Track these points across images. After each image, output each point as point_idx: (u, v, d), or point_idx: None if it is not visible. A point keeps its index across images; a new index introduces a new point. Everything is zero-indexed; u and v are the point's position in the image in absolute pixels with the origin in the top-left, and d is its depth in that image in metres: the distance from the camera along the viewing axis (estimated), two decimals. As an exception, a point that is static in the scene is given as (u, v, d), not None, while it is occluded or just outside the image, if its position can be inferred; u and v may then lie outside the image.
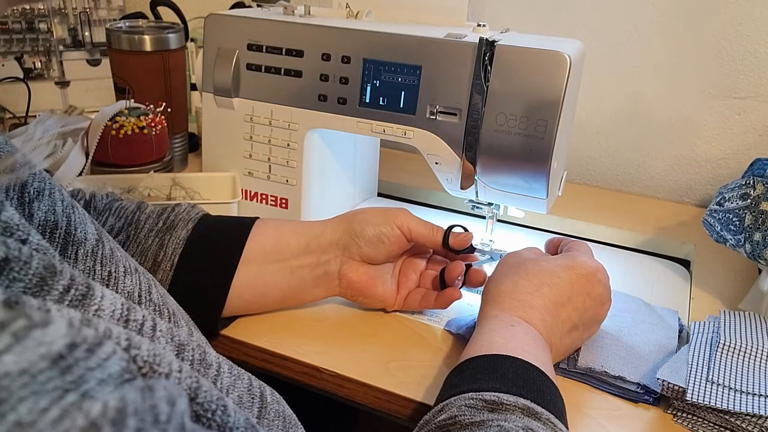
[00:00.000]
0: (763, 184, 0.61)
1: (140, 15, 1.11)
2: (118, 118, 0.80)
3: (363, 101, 0.67)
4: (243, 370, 0.39)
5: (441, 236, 0.59)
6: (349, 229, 0.57)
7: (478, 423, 0.39)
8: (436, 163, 0.66)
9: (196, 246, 0.55)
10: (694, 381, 0.50)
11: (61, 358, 0.19)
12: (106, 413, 0.18)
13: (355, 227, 0.57)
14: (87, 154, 0.80)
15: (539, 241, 0.82)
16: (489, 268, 0.62)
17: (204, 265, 0.55)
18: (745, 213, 0.61)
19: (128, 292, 0.37)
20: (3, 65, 1.09)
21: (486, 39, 0.61)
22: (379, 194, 0.92)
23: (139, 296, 0.38)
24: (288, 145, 0.73)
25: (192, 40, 1.11)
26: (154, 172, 0.80)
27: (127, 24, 0.95)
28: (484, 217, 0.74)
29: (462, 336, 0.59)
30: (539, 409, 0.41)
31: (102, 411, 0.18)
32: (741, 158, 0.91)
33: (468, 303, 0.64)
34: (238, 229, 0.57)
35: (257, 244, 0.56)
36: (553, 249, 0.61)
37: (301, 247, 0.57)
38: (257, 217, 0.59)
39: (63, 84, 1.14)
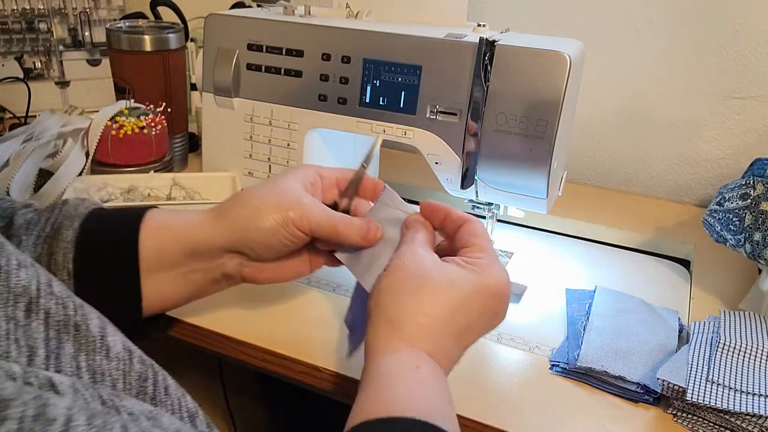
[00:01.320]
0: (763, 184, 0.61)
1: (140, 15, 1.11)
2: (118, 118, 0.80)
3: (363, 101, 0.67)
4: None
5: (350, 231, 0.49)
6: (239, 237, 0.49)
7: None
8: (436, 163, 0.66)
9: (88, 250, 0.48)
10: (694, 381, 0.50)
11: None
12: None
13: (246, 235, 0.49)
14: (87, 154, 0.80)
15: (539, 241, 0.82)
16: None
17: (103, 267, 0.49)
18: (745, 213, 0.61)
19: (23, 286, 0.33)
20: (3, 65, 1.09)
21: (486, 39, 0.61)
22: (379, 194, 0.92)
23: (38, 290, 0.34)
24: (288, 145, 0.73)
25: (192, 40, 1.11)
26: (154, 172, 0.80)
27: (127, 24, 0.95)
28: (484, 217, 0.74)
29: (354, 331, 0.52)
30: None
31: None
32: (741, 158, 0.91)
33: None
34: (128, 232, 0.50)
35: (146, 251, 0.49)
36: (441, 225, 0.50)
37: (186, 254, 0.50)
38: (146, 210, 0.52)
39: (63, 84, 1.14)
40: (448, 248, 0.50)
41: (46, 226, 0.48)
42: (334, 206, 0.53)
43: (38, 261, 0.47)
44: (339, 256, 0.51)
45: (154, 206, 0.53)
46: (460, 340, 0.43)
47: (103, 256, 0.48)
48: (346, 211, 0.53)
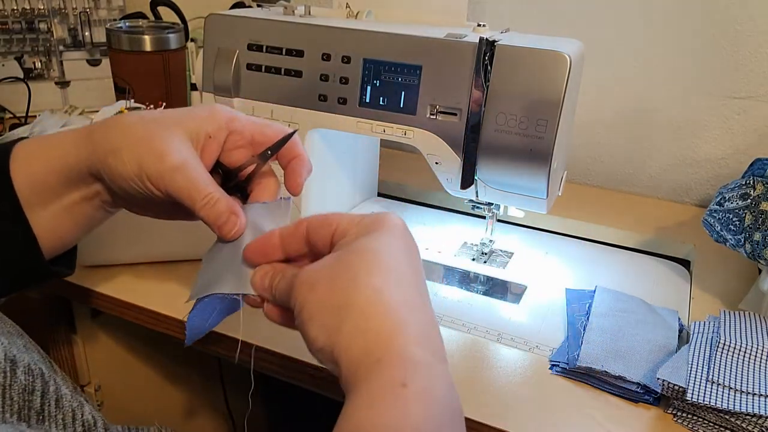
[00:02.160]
0: (763, 184, 0.61)
1: (140, 15, 1.11)
2: (118, 118, 0.80)
3: (363, 101, 0.67)
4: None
5: (208, 212, 0.43)
6: (97, 166, 0.43)
7: None
8: (436, 163, 0.66)
9: None
10: (694, 381, 0.50)
11: None
12: None
13: (102, 168, 0.43)
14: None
15: (539, 241, 0.82)
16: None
17: None
18: (745, 213, 0.61)
19: None
20: (3, 65, 1.09)
21: (486, 39, 0.61)
22: (379, 194, 0.92)
23: None
24: (288, 145, 0.73)
25: (192, 40, 1.11)
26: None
27: (127, 24, 0.95)
28: (484, 217, 0.74)
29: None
30: None
31: None
32: (741, 158, 0.91)
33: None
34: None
35: (21, 185, 0.45)
36: (306, 242, 0.42)
37: (60, 182, 0.45)
38: (16, 142, 0.47)
39: (63, 84, 1.14)
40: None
41: None
42: (235, 172, 0.46)
43: None
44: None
45: (26, 137, 0.48)
46: (422, 296, 0.37)
47: None
48: (246, 183, 0.47)
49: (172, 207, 0.45)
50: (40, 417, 0.37)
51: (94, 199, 0.46)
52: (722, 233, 0.65)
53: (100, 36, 1.15)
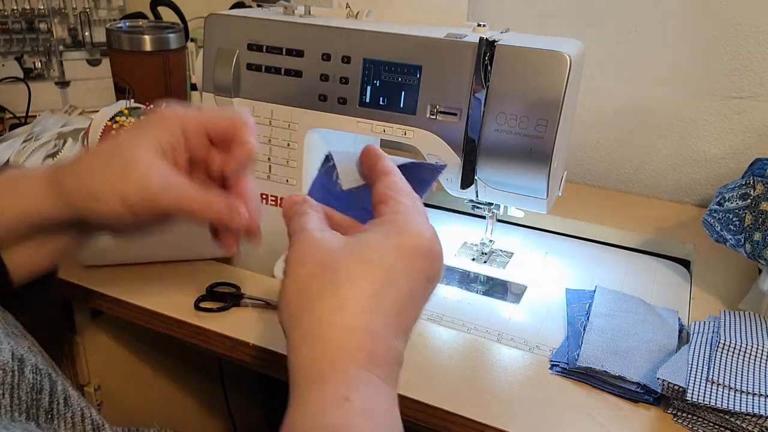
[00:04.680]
0: (763, 184, 0.61)
1: (140, 15, 1.11)
2: (118, 118, 0.80)
3: (363, 101, 0.67)
4: None
5: (211, 214, 0.43)
6: (79, 215, 0.43)
7: None
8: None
9: None
10: (694, 381, 0.50)
11: None
12: None
13: (87, 215, 0.43)
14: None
15: (539, 241, 0.82)
16: None
17: None
18: (745, 213, 0.61)
19: None
20: (3, 65, 1.09)
21: (486, 39, 0.61)
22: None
23: None
24: (288, 144, 0.73)
25: (192, 40, 1.11)
26: (154, 172, 0.80)
27: (127, 24, 0.95)
28: (484, 217, 0.74)
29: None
30: None
31: None
32: (741, 158, 0.91)
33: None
34: None
35: None
36: (368, 174, 0.42)
37: (29, 228, 0.44)
38: None
39: (63, 84, 1.14)
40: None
41: None
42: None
43: None
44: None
45: None
46: (399, 324, 0.35)
47: None
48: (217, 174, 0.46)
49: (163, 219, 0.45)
50: (49, 416, 0.36)
51: (72, 235, 0.46)
52: (722, 233, 0.65)
53: (100, 36, 1.15)
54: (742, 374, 0.51)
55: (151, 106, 0.84)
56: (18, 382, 0.34)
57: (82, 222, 0.44)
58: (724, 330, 0.56)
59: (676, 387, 0.50)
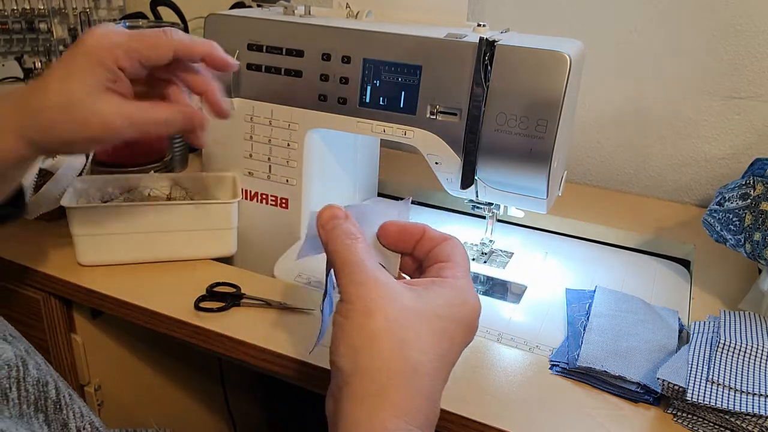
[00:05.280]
0: (763, 184, 0.61)
1: (140, 15, 1.11)
2: (118, 118, 0.80)
3: (363, 101, 0.67)
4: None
5: (157, 111, 0.48)
6: (41, 151, 0.48)
7: None
8: (436, 163, 0.66)
9: None
10: (694, 381, 0.50)
11: None
12: None
13: (49, 149, 0.49)
14: (87, 155, 0.80)
15: (539, 241, 0.82)
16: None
17: None
18: (745, 213, 0.61)
19: None
20: (3, 65, 1.09)
21: (486, 39, 0.61)
22: (379, 194, 0.92)
23: None
24: (288, 145, 0.73)
25: (192, 40, 1.11)
26: (154, 172, 0.80)
27: (127, 24, 0.95)
28: (484, 217, 0.74)
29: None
30: None
31: None
32: (741, 158, 0.91)
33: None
34: None
35: None
36: (413, 247, 0.43)
37: None
38: None
39: (63, 84, 1.14)
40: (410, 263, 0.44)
41: None
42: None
43: None
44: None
45: None
46: (445, 381, 0.38)
47: None
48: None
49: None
50: (57, 406, 0.37)
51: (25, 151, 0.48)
52: (722, 233, 0.65)
53: (100, 36, 1.14)
54: (742, 374, 0.51)
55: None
56: (24, 376, 0.35)
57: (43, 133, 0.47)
58: (724, 330, 0.56)
59: (676, 387, 0.50)
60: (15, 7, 1.08)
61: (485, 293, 0.70)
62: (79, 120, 0.46)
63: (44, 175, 0.78)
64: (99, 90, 0.46)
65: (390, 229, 0.43)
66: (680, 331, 0.60)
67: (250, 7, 1.04)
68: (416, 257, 0.43)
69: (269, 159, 0.75)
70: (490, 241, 0.76)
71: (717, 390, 0.50)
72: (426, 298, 0.37)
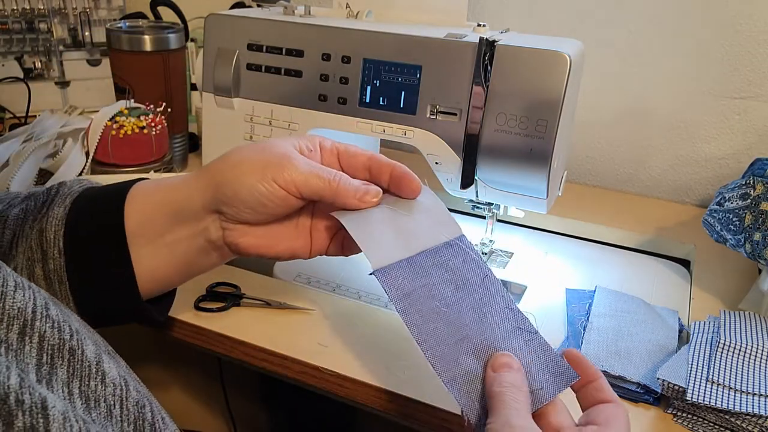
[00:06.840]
0: (763, 184, 0.61)
1: (140, 15, 1.11)
2: (118, 118, 0.80)
3: (363, 101, 0.67)
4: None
5: (347, 187, 0.47)
6: (218, 194, 0.46)
7: None
8: (436, 163, 0.66)
9: (78, 227, 0.46)
10: (694, 381, 0.50)
11: None
12: None
13: (225, 191, 0.46)
14: (87, 154, 0.80)
15: (539, 241, 0.82)
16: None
17: (91, 241, 0.46)
18: (745, 213, 0.61)
19: (19, 308, 0.32)
20: (3, 65, 1.09)
21: (486, 39, 0.61)
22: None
23: (34, 312, 0.33)
24: (288, 145, 0.73)
25: (192, 40, 1.11)
26: (154, 172, 0.80)
27: (127, 24, 0.95)
28: (484, 217, 0.74)
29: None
30: None
31: None
32: (741, 158, 0.91)
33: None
34: (114, 204, 0.47)
35: (130, 220, 0.47)
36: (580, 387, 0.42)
37: (168, 219, 0.47)
38: (136, 181, 0.50)
39: (63, 84, 1.14)
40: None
41: (42, 207, 0.47)
42: None
43: (31, 239, 0.46)
44: (336, 214, 0.47)
45: (145, 178, 0.50)
46: None
47: (90, 229, 0.46)
48: None
49: (290, 223, 0.49)
50: (153, 429, 0.38)
51: (198, 237, 0.48)
52: (722, 233, 0.65)
53: (100, 36, 1.15)
54: (742, 374, 0.51)
55: (151, 106, 0.84)
56: (126, 396, 0.36)
57: (219, 210, 0.47)
58: (724, 330, 0.56)
59: (676, 387, 0.50)
60: (15, 7, 1.08)
61: (485, 293, 0.70)
62: (268, 159, 0.47)
63: (44, 175, 0.79)
64: (293, 147, 0.48)
65: (570, 355, 0.43)
66: (680, 331, 0.60)
67: (250, 7, 1.04)
68: (582, 399, 0.42)
69: (269, 159, 0.75)
70: (490, 241, 0.76)
71: (717, 390, 0.50)
72: None
